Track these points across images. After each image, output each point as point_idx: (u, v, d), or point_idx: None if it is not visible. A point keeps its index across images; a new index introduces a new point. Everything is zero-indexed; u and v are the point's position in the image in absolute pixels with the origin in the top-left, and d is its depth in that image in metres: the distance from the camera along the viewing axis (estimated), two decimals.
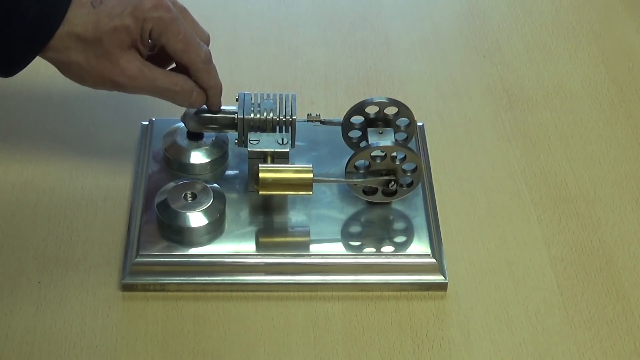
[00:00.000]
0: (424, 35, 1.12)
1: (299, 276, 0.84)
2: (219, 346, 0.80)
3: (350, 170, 0.87)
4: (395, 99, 0.90)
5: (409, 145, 0.89)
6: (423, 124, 0.98)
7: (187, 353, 0.79)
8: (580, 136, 1.00)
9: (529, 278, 0.86)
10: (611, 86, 1.06)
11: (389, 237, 0.87)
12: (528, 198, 0.93)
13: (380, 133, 0.90)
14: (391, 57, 1.09)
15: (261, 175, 0.83)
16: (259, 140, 0.87)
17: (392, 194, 0.88)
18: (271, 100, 0.88)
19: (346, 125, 0.91)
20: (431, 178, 0.93)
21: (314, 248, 0.86)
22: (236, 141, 0.88)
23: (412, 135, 0.91)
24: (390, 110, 0.90)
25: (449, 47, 1.11)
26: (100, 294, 0.83)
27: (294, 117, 0.88)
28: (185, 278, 0.84)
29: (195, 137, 0.91)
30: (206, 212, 0.85)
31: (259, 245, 0.86)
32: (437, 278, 0.85)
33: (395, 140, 0.90)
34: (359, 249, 0.86)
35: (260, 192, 0.84)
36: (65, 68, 0.82)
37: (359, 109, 0.90)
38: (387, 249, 0.86)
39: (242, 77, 1.05)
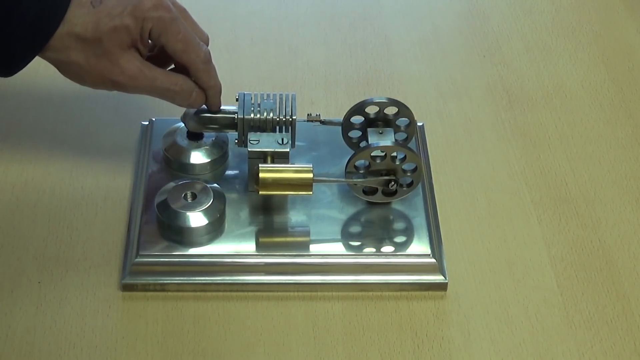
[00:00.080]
0: (424, 36, 1.12)
1: (299, 276, 0.84)
2: (219, 346, 0.80)
3: (350, 170, 0.87)
4: (395, 99, 0.90)
5: (409, 145, 0.89)
6: (423, 124, 0.98)
7: (187, 353, 0.79)
8: (580, 136, 1.00)
9: (529, 278, 0.86)
10: (611, 86, 1.06)
11: (389, 237, 0.87)
12: (528, 198, 0.93)
13: (380, 133, 0.90)
14: (391, 57, 1.09)
15: (261, 175, 0.83)
16: (259, 140, 0.87)
17: (392, 194, 0.88)
18: (271, 100, 0.88)
19: (346, 125, 0.91)
20: (431, 178, 0.93)
21: (314, 248, 0.86)
22: (236, 141, 0.88)
23: (412, 135, 0.91)
24: (390, 110, 0.90)
25: (449, 47, 1.11)
26: (100, 294, 0.83)
27: (294, 117, 0.88)
28: (185, 278, 0.84)
29: (195, 137, 0.91)
30: (206, 212, 0.85)
31: (259, 245, 0.86)
32: (437, 278, 0.85)
33: (395, 140, 0.89)
34: (359, 249, 0.86)
35: (260, 192, 0.84)
36: (65, 68, 0.82)
37: (359, 109, 0.90)
38: (387, 249, 0.86)
39: (242, 77, 1.05)
